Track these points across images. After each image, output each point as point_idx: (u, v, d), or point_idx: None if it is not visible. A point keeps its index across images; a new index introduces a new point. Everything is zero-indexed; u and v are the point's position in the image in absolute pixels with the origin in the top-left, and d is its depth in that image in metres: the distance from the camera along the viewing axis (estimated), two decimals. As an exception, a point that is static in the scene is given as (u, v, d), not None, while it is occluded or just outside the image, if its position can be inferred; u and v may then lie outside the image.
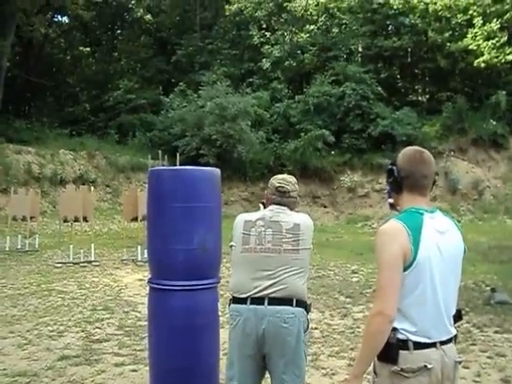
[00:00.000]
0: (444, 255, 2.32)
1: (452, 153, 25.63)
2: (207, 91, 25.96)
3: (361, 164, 25.62)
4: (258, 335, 3.25)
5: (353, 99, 25.75)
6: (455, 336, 2.42)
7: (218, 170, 4.37)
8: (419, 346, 2.25)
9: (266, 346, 3.28)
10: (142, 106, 29.59)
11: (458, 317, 2.46)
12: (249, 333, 3.26)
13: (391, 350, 2.24)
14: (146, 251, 6.64)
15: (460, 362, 2.44)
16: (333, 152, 25.62)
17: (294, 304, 3.28)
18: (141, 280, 10.19)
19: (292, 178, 3.61)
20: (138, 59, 34.12)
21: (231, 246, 3.49)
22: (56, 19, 36.45)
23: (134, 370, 5.42)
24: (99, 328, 7.04)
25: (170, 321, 4.05)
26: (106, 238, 17.19)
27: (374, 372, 2.34)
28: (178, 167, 4.53)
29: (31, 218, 15.49)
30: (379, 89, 26.75)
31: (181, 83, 29.39)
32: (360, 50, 31.06)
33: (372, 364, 2.33)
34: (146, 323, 6.44)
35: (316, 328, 6.93)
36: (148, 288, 4.42)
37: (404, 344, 2.25)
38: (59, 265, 12.31)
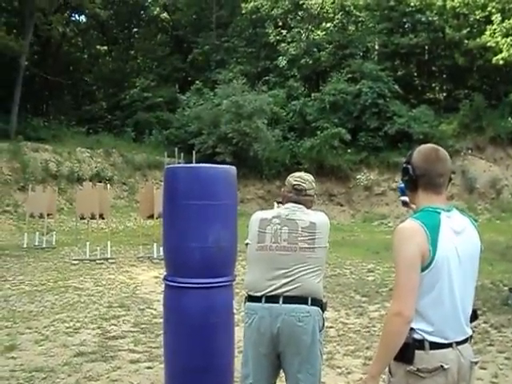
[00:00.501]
0: (461, 255, 2.29)
1: (469, 151, 25.40)
2: (223, 89, 25.99)
3: (377, 162, 25.50)
4: (273, 334, 3.24)
5: (369, 97, 25.62)
6: (471, 336, 2.40)
7: (233, 168, 4.36)
8: (435, 346, 2.23)
9: (281, 345, 3.27)
10: (159, 104, 29.70)
11: (473, 317, 2.44)
12: (263, 331, 3.25)
13: (407, 350, 2.22)
14: (161, 249, 6.65)
15: (476, 363, 2.40)
16: (349, 150, 25.52)
17: (309, 303, 3.27)
18: (156, 277, 10.23)
19: (309, 177, 3.58)
20: (154, 57, 34.24)
21: (246, 244, 3.48)
22: (73, 18, 36.67)
23: (149, 367, 5.43)
24: (115, 325, 7.07)
25: (185, 318, 4.05)
26: (122, 236, 17.29)
27: (390, 372, 2.32)
28: (193, 165, 4.52)
29: (48, 215, 15.63)
30: (396, 87, 26.60)
31: (197, 81, 29.47)
32: (376, 47, 30.91)
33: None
34: (161, 320, 6.46)
35: (331, 327, 6.90)
36: (164, 285, 4.43)
37: (420, 344, 2.23)
38: (76, 262, 12.41)
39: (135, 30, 38.68)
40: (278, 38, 31.31)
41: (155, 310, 7.76)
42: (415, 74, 31.12)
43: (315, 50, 29.99)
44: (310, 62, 29.50)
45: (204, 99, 27.12)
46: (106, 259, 12.72)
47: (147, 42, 35.27)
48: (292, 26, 32.66)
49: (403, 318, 2.17)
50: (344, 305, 8.35)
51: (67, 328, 6.89)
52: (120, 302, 8.38)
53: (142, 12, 36.88)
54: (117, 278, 10.65)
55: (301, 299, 3.26)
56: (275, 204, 3.77)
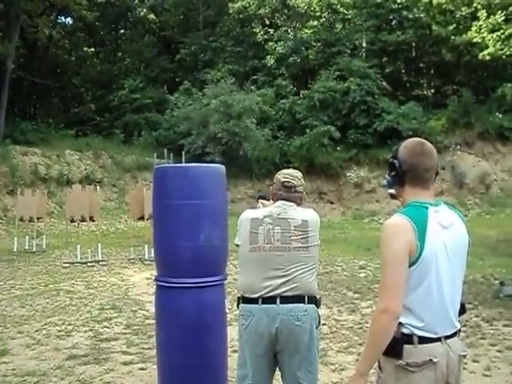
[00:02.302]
0: (449, 249, 2.28)
1: (458, 147, 25.52)
2: (212, 89, 25.98)
3: (367, 159, 25.56)
4: (271, 334, 3.23)
5: (358, 94, 25.70)
6: (459, 330, 2.40)
7: (222, 167, 4.35)
8: (424, 340, 2.23)
9: (279, 345, 3.27)
10: (147, 106, 29.62)
11: (462, 311, 2.43)
12: (262, 332, 3.24)
13: (396, 345, 2.21)
14: (152, 250, 6.64)
15: (464, 356, 2.40)
16: (339, 148, 25.56)
17: (306, 301, 3.27)
18: (148, 279, 10.20)
19: (298, 173, 3.56)
20: (142, 59, 34.14)
21: (237, 245, 3.45)
22: (60, 20, 36.60)
23: (142, 369, 5.43)
24: (107, 327, 7.06)
25: (178, 318, 4.04)
26: (113, 238, 17.23)
27: (379, 367, 2.31)
28: (182, 164, 4.51)
29: (38, 218, 15.54)
30: (384, 84, 26.71)
31: (185, 82, 29.42)
32: (364, 45, 30.96)
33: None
34: (153, 322, 6.46)
35: (324, 324, 6.90)
36: (155, 286, 4.41)
37: (409, 338, 2.22)
38: (67, 265, 12.35)
39: (122, 31, 38.58)
40: (265, 37, 31.33)
41: (147, 311, 7.74)
42: (403, 71, 31.22)
43: (303, 48, 29.98)
44: (298, 60, 29.52)
45: (193, 99, 27.08)
46: (97, 261, 12.67)
47: (134, 44, 35.16)
48: (279, 24, 32.71)
49: (391, 314, 2.15)
50: (336, 302, 8.37)
51: (59, 331, 6.86)
52: (112, 304, 8.36)
53: (128, 13, 36.75)
54: (108, 280, 10.61)
55: (298, 298, 3.26)
56: (260, 204, 3.72)
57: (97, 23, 36.87)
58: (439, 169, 2.50)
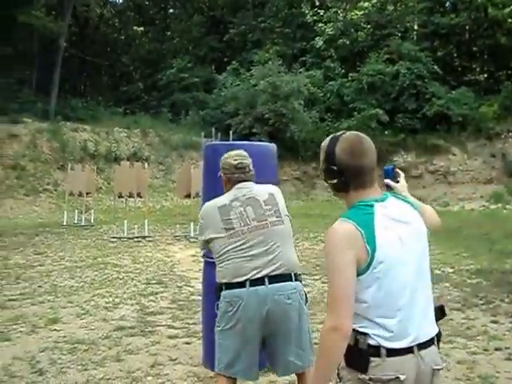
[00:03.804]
0: (407, 244, 2.05)
1: (510, 134, 24.82)
2: (260, 70, 25.90)
3: (415, 144, 25.14)
4: (262, 316, 3.16)
5: (407, 78, 25.24)
6: (438, 335, 2.15)
7: (274, 146, 4.35)
8: (394, 352, 1.98)
9: (270, 326, 3.20)
10: (195, 85, 29.80)
11: (440, 313, 2.22)
12: (252, 315, 3.15)
13: (361, 357, 1.99)
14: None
15: (439, 370, 2.12)
16: (386, 132, 25.22)
17: (293, 278, 3.23)
18: (193, 256, 10.33)
19: (245, 152, 3.46)
20: (190, 38, 34.27)
21: (207, 241, 3.33)
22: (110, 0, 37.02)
23: (187, 343, 5.49)
24: (153, 301, 7.17)
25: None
26: (159, 215, 17.49)
27: (338, 376, 2.09)
28: (233, 141, 4.52)
29: (87, 193, 15.90)
30: (435, 67, 26.09)
31: (233, 62, 29.43)
32: (416, 27, 30.30)
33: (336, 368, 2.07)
34: (198, 298, 6.56)
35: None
36: (203, 262, 4.46)
37: (376, 351, 1.98)
38: (114, 239, 12.63)
39: (171, 10, 38.81)
40: (314, 18, 30.97)
41: (192, 287, 7.85)
42: (455, 55, 30.42)
43: (352, 30, 29.59)
44: (348, 42, 29.16)
45: (240, 80, 27.10)
46: (144, 237, 12.89)
47: (183, 23, 35.33)
48: (329, 5, 32.26)
49: (339, 332, 1.91)
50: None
51: (107, 303, 7.02)
52: (158, 279, 8.49)
53: (178, -7, 36.94)
54: (154, 255, 10.78)
55: (285, 277, 3.20)
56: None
57: (146, 2, 37.26)
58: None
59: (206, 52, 33.15)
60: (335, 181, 2.13)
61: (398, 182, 2.42)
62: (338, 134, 2.20)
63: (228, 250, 3.24)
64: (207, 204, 3.42)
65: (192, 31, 34.01)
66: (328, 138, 2.21)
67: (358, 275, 1.97)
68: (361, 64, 27.98)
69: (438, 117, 24.49)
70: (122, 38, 38.14)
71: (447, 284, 8.06)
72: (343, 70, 28.74)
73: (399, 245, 2.03)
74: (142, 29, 38.09)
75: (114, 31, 38.27)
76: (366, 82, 25.80)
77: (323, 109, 26.59)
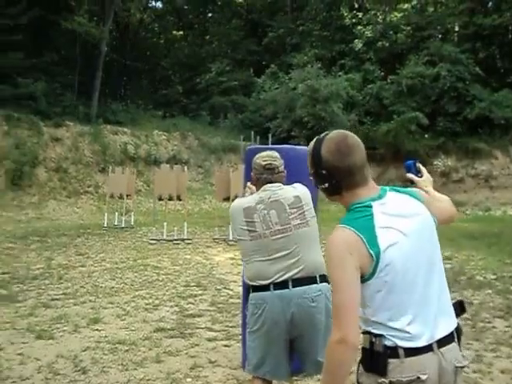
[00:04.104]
0: (412, 239, 1.97)
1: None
2: (298, 73, 25.88)
3: (455, 148, 24.74)
4: (287, 320, 3.17)
5: (448, 81, 24.84)
6: (459, 331, 2.07)
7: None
8: (412, 352, 1.91)
9: (296, 329, 3.21)
10: (234, 88, 29.94)
11: (460, 309, 2.14)
12: (276, 319, 3.18)
13: (379, 360, 1.92)
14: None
15: (462, 367, 2.04)
16: (426, 135, 24.90)
17: (318, 280, 3.21)
18: (232, 259, 10.38)
19: (276, 153, 3.45)
20: (229, 42, 34.46)
21: (237, 240, 3.41)
22: (150, 4, 37.61)
23: (226, 346, 5.51)
24: (192, 303, 7.22)
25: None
26: (197, 217, 17.61)
27: (358, 383, 2.02)
28: (275, 145, 4.52)
29: (127, 196, 16.12)
30: (477, 69, 25.61)
31: (272, 65, 29.47)
32: (456, 28, 29.83)
33: (356, 374, 2.02)
34: (237, 301, 6.59)
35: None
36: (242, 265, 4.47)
37: (393, 352, 1.91)
38: (153, 241, 12.76)
39: (210, 14, 39.06)
40: (353, 20, 30.79)
41: (231, 290, 7.89)
42: (498, 56, 29.79)
43: (392, 32, 29.30)
44: (387, 44, 28.90)
45: (279, 83, 27.12)
46: (183, 240, 13.00)
47: (222, 27, 35.53)
48: (368, 8, 32.03)
49: (347, 345, 1.84)
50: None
51: (147, 304, 7.10)
52: (197, 282, 8.54)
53: (217, -3, 37.21)
54: (193, 258, 10.86)
55: (309, 279, 3.19)
56: (247, 186, 3.55)
57: (185, 7, 37.60)
58: None
59: (244, 55, 33.29)
60: (326, 185, 2.05)
61: (421, 176, 2.37)
62: (322, 135, 2.12)
63: (251, 252, 3.29)
64: (234, 204, 3.47)
65: (230, 35, 34.20)
66: (312, 141, 2.12)
67: (366, 280, 1.91)
68: (400, 66, 27.65)
69: (479, 120, 24.04)
70: (162, 42, 38.60)
71: (490, 291, 7.92)
72: (382, 73, 28.48)
73: (404, 242, 1.95)
74: (181, 33, 38.48)
75: (154, 36, 38.77)
76: (405, 85, 25.47)
77: (362, 112, 26.39)
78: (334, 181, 2.02)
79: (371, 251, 1.89)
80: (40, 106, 22.98)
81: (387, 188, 2.10)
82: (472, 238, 13.69)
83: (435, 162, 24.56)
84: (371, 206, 1.98)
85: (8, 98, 22.07)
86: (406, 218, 2.00)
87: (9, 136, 21.04)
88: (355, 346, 1.86)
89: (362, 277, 1.91)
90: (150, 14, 37.50)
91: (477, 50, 28.07)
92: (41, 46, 26.05)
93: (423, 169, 2.40)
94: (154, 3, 37.95)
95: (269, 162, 3.36)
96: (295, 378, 4.24)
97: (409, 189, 2.17)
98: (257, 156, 3.46)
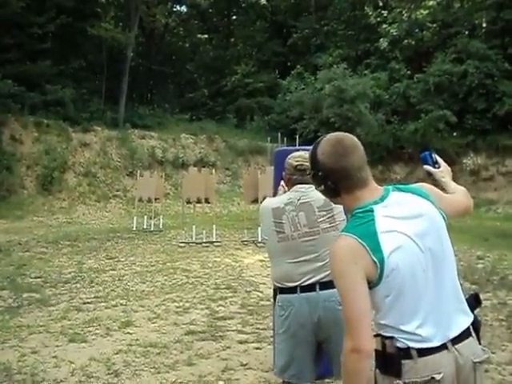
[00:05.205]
0: (418, 241, 1.94)
1: None
2: (325, 73, 25.77)
3: (485, 146, 24.34)
4: (313, 323, 3.16)
5: (476, 77, 24.44)
6: (476, 325, 2.03)
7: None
8: (425, 352, 1.89)
9: (323, 332, 3.18)
10: (260, 90, 29.98)
11: (475, 302, 2.10)
12: (303, 322, 3.17)
13: (392, 362, 1.91)
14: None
15: (481, 362, 1.99)
16: (455, 133, 24.56)
17: None
18: (261, 261, 10.36)
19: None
20: (254, 43, 34.52)
21: (264, 240, 3.38)
22: (175, 9, 37.80)
23: (257, 348, 5.52)
24: (223, 306, 7.24)
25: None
26: (226, 220, 17.64)
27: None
28: (304, 146, 4.50)
29: (156, 199, 16.21)
30: (505, 65, 25.19)
31: (298, 66, 29.42)
32: (484, 24, 29.34)
33: (373, 374, 2.00)
34: (267, 303, 6.59)
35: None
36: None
37: (406, 353, 1.90)
38: (182, 244, 12.82)
39: (234, 17, 39.17)
40: (378, 19, 30.56)
41: (261, 292, 7.89)
42: (527, 52, 29.30)
43: (417, 30, 29.00)
44: (413, 42, 28.59)
45: (305, 84, 27.04)
46: (212, 242, 13.02)
47: (247, 29, 35.62)
48: (393, 6, 31.76)
49: (360, 353, 1.84)
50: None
51: (177, 307, 7.14)
52: (227, 284, 8.55)
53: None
54: (222, 260, 10.87)
55: None
56: (280, 185, 3.52)
57: (210, 10, 37.76)
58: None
59: (269, 57, 33.30)
60: (322, 187, 2.07)
61: (438, 167, 2.33)
62: (321, 137, 2.14)
63: (278, 254, 3.28)
64: (263, 204, 3.46)
65: (255, 37, 34.25)
66: (313, 144, 2.14)
67: (374, 287, 1.90)
68: (427, 64, 27.32)
69: (509, 116, 23.59)
70: (187, 45, 38.84)
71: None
72: (409, 71, 28.16)
73: (409, 244, 1.93)
74: (206, 36, 38.66)
75: (179, 40, 39.03)
76: (432, 83, 25.15)
77: (389, 111, 26.13)
78: (329, 183, 2.02)
79: (375, 258, 1.87)
80: (68, 112, 23.30)
81: (390, 188, 2.07)
82: (504, 236, 13.48)
83: (464, 161, 24.23)
84: (373, 211, 1.96)
85: (37, 105, 22.46)
86: (410, 220, 1.97)
87: (39, 142, 21.39)
88: (369, 354, 1.86)
89: (369, 283, 1.90)
90: (174, 19, 37.77)
91: (505, 45, 27.56)
92: (68, 53, 26.44)
93: (440, 159, 2.37)
94: (178, 8, 38.12)
95: (300, 162, 3.33)
96: (327, 380, 4.23)
97: (413, 185, 2.14)
98: (289, 156, 3.44)
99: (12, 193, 19.40)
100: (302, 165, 3.32)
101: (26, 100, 21.89)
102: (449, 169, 2.36)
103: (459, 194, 2.31)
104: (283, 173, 3.46)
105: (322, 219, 3.23)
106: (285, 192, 3.47)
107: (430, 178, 2.26)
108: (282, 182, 3.62)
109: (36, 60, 23.69)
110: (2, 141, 20.62)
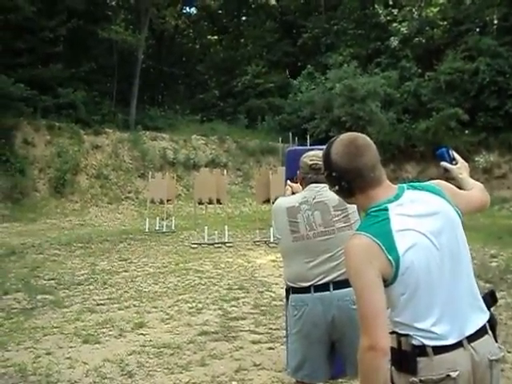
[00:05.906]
0: (433, 239, 1.94)
1: None
2: (335, 73, 25.72)
3: (497, 143, 24.18)
4: (327, 323, 3.15)
5: (487, 75, 24.28)
6: (492, 322, 2.02)
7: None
8: (441, 349, 1.89)
9: (337, 332, 3.17)
10: (270, 90, 29.98)
11: (492, 299, 2.09)
12: (317, 321, 3.16)
13: (408, 359, 1.91)
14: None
15: (497, 360, 1.97)
16: (467, 131, 24.37)
17: None
18: (274, 261, 10.36)
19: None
20: (264, 44, 34.48)
21: (278, 238, 3.37)
22: (185, 11, 37.89)
23: (270, 348, 5.52)
24: (235, 306, 7.25)
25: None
26: (238, 220, 17.66)
27: (392, 382, 1.99)
28: (315, 146, 4.50)
29: (168, 200, 16.27)
30: (517, 62, 25.03)
31: (308, 66, 29.39)
32: (495, 21, 29.15)
33: (389, 372, 1.97)
34: (280, 303, 6.58)
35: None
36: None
37: (421, 350, 1.89)
38: (195, 245, 12.85)
39: (244, 18, 39.17)
40: (388, 17, 30.49)
41: (274, 292, 7.89)
42: (540, 48, 29.05)
43: (428, 28, 28.87)
44: (424, 40, 28.48)
45: (315, 83, 27.02)
46: (224, 243, 13.04)
47: (257, 29, 35.58)
48: (403, 4, 31.65)
49: (377, 351, 1.83)
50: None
51: (190, 308, 7.15)
52: (239, 285, 8.56)
53: (250, 0, 37.27)
54: (235, 261, 10.89)
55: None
56: (287, 185, 3.50)
57: (219, 11, 37.84)
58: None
59: (279, 57, 33.26)
60: (337, 187, 2.07)
61: (455, 163, 2.32)
62: (334, 138, 2.16)
63: (292, 253, 3.27)
64: (276, 203, 3.45)
65: (265, 37, 34.21)
66: (326, 144, 2.15)
67: (389, 285, 1.91)
68: (438, 62, 27.18)
69: (522, 114, 23.47)
70: (197, 47, 38.90)
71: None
72: (419, 70, 28.02)
73: (424, 242, 1.92)
74: (215, 37, 38.72)
75: (189, 41, 39.11)
76: (443, 81, 25.01)
77: (400, 110, 26.01)
78: (343, 183, 2.03)
79: (390, 257, 1.87)
80: (80, 115, 23.45)
81: (405, 186, 2.06)
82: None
83: (477, 159, 24.05)
84: (387, 209, 1.96)
85: (50, 109, 22.61)
86: (424, 218, 1.97)
87: (51, 145, 21.55)
88: (385, 351, 1.85)
89: (384, 281, 1.90)
90: (184, 20, 37.85)
91: (517, 42, 27.43)
92: (79, 56, 26.59)
93: (457, 155, 2.36)
94: (188, 9, 38.24)
95: (315, 161, 3.31)
96: (340, 380, 4.22)
97: (428, 183, 2.13)
98: (304, 155, 3.43)
99: (25, 196, 19.55)
100: (316, 164, 3.30)
101: (39, 103, 22.06)
102: (466, 165, 2.35)
103: (475, 190, 2.29)
104: (297, 172, 3.44)
105: (337, 218, 3.22)
106: (292, 193, 3.48)
107: (446, 175, 2.25)
108: (289, 182, 3.62)
109: (48, 64, 23.87)
110: (15, 144, 20.80)
